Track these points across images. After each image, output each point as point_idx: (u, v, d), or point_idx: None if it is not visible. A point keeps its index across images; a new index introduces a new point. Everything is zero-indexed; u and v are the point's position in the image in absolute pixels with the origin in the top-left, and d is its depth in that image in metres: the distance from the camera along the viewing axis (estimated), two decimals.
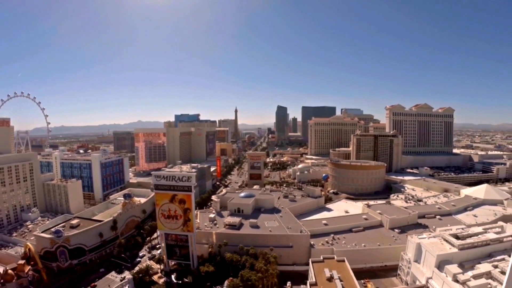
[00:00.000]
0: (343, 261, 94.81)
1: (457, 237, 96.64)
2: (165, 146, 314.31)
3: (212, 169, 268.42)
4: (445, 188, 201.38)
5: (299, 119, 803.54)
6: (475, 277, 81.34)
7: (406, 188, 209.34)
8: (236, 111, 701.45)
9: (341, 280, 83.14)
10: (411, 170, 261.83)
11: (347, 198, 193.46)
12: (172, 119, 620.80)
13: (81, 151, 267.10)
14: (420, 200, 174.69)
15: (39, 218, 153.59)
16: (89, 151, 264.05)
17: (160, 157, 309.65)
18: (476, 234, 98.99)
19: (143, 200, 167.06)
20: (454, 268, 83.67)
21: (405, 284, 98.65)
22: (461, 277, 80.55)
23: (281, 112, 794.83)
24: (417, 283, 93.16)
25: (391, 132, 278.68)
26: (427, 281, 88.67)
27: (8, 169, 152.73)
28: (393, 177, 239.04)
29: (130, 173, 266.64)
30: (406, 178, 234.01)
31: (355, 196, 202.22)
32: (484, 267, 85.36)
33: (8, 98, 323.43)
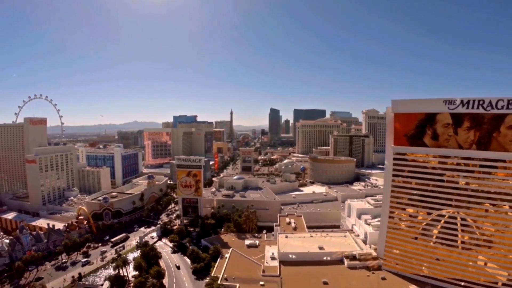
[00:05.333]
0: (300, 216, 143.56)
1: (376, 200, 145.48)
2: (169, 144, 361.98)
3: (211, 163, 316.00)
4: None
5: (292, 121, 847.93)
6: (378, 221, 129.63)
7: (370, 179, 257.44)
8: (231, 113, 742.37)
9: (295, 223, 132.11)
10: (381, 166, 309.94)
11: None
12: (169, 119, 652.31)
13: (101, 146, 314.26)
14: (376, 186, 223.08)
15: (79, 195, 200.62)
16: (107, 146, 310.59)
17: (164, 153, 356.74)
18: None
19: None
20: (367, 216, 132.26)
21: None
22: (369, 221, 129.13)
23: (274, 114, 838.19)
24: None
25: (364, 133, 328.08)
26: (352, 227, 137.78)
27: (55, 158, 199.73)
28: (363, 170, 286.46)
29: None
30: (373, 171, 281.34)
31: (328, 184, 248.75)
32: None
33: (29, 99, 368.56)
